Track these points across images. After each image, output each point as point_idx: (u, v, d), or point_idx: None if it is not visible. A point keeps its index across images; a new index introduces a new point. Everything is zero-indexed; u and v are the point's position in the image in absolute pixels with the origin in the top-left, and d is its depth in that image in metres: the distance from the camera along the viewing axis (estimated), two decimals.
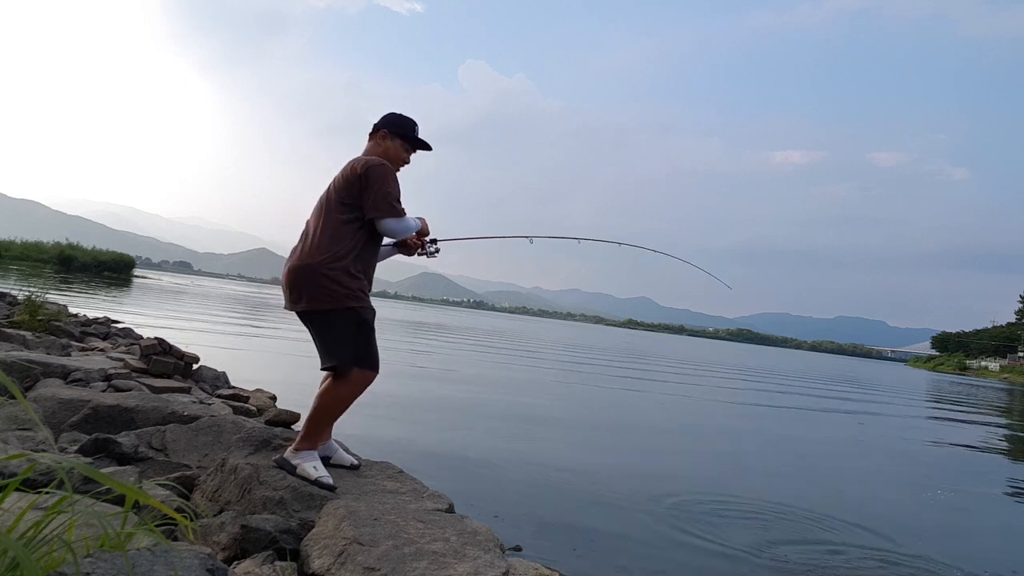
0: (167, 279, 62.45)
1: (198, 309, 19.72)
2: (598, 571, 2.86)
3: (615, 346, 34.43)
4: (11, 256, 40.32)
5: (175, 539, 2.03)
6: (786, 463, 6.12)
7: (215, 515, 2.33)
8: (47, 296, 7.36)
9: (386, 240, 2.90)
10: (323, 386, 2.73)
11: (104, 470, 2.42)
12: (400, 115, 2.94)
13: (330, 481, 2.55)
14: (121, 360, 5.08)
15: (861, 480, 5.80)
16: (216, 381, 5.26)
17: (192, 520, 1.91)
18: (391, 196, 2.71)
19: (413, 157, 2.99)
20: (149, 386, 4.28)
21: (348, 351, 2.65)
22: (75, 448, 2.75)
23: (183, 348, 5.32)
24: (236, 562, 2.01)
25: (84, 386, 3.98)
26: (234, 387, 5.35)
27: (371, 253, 2.81)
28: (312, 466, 2.57)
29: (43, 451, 2.42)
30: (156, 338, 5.20)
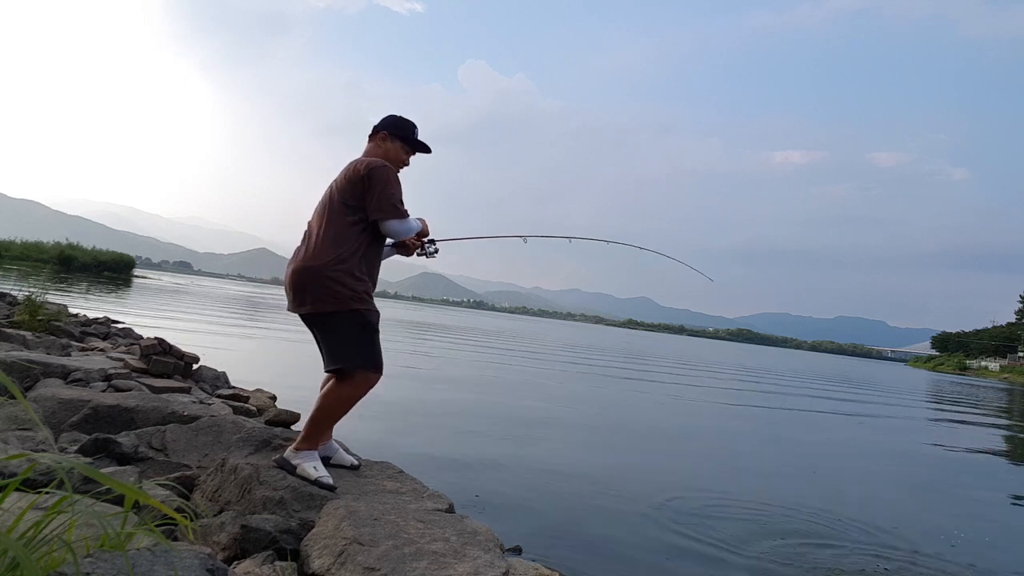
0: (167, 279, 62.42)
1: (198, 309, 19.72)
2: (598, 571, 2.86)
3: (615, 346, 34.43)
4: (11, 256, 40.31)
5: (175, 539, 2.03)
6: (785, 463, 6.12)
7: (215, 515, 2.33)
8: (47, 296, 7.36)
9: (386, 240, 2.91)
10: (326, 387, 2.73)
11: (104, 470, 2.42)
12: (400, 117, 2.95)
13: (330, 481, 2.55)
14: (121, 360, 5.08)
15: (861, 480, 5.80)
16: (216, 381, 5.26)
17: (192, 520, 1.91)
18: (394, 198, 2.72)
19: (412, 158, 3.00)
20: (149, 386, 4.28)
21: (353, 353, 2.65)
22: (75, 448, 2.75)
23: (183, 348, 5.32)
24: (236, 562, 2.01)
25: (84, 386, 3.98)
26: (234, 387, 5.36)
27: (375, 255, 2.82)
28: (312, 466, 2.57)
29: (43, 451, 2.42)
30: (156, 338, 5.21)
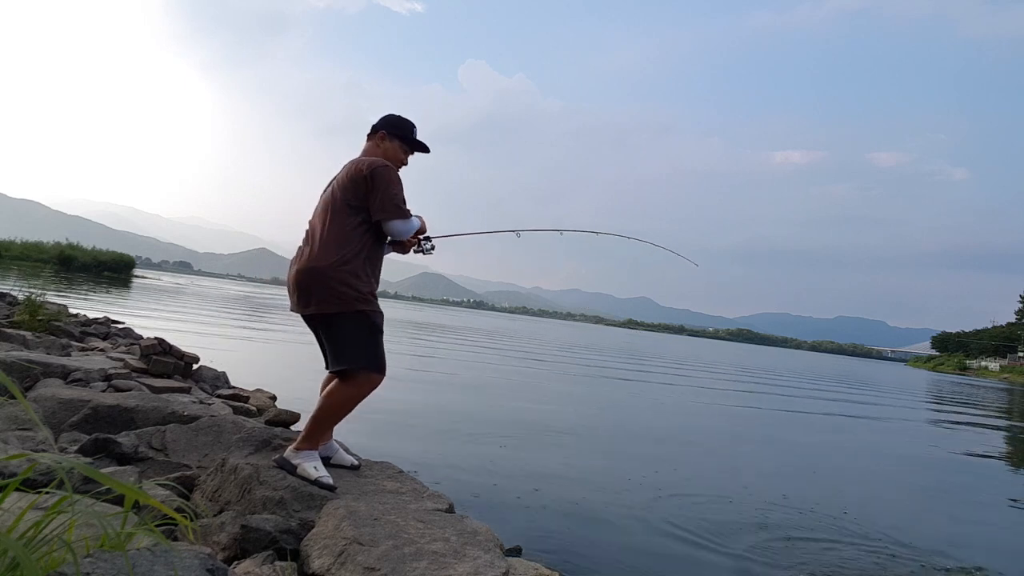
0: (167, 279, 62.42)
1: (198, 309, 19.72)
2: (598, 571, 2.86)
3: (614, 346, 34.42)
4: (11, 256, 40.29)
5: (175, 539, 2.03)
6: (785, 463, 6.12)
7: (215, 515, 2.33)
8: (47, 296, 7.36)
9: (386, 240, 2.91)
10: (329, 387, 2.73)
11: (104, 470, 2.42)
12: (399, 117, 2.95)
13: (330, 481, 2.55)
14: (121, 360, 5.08)
15: (861, 481, 5.80)
16: (216, 381, 5.26)
17: (192, 520, 1.91)
18: (397, 198, 2.72)
19: (411, 158, 3.00)
20: (149, 386, 4.28)
21: (357, 354, 2.65)
22: (75, 448, 2.75)
23: (183, 348, 5.32)
24: (236, 562, 2.01)
25: (84, 386, 3.98)
26: (234, 387, 5.36)
27: (378, 255, 2.82)
28: (312, 466, 2.57)
29: (43, 451, 2.42)
30: (156, 338, 5.20)
